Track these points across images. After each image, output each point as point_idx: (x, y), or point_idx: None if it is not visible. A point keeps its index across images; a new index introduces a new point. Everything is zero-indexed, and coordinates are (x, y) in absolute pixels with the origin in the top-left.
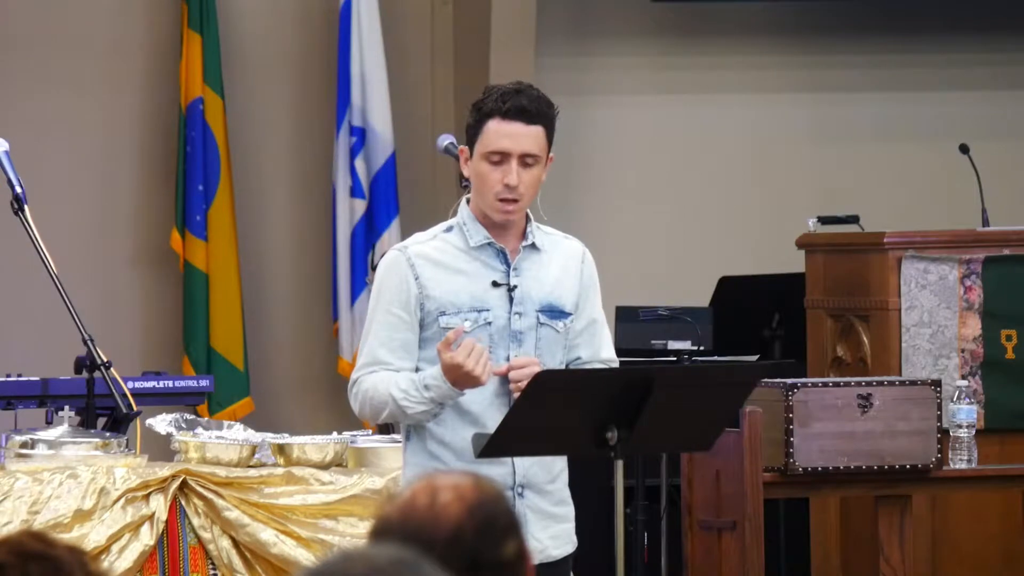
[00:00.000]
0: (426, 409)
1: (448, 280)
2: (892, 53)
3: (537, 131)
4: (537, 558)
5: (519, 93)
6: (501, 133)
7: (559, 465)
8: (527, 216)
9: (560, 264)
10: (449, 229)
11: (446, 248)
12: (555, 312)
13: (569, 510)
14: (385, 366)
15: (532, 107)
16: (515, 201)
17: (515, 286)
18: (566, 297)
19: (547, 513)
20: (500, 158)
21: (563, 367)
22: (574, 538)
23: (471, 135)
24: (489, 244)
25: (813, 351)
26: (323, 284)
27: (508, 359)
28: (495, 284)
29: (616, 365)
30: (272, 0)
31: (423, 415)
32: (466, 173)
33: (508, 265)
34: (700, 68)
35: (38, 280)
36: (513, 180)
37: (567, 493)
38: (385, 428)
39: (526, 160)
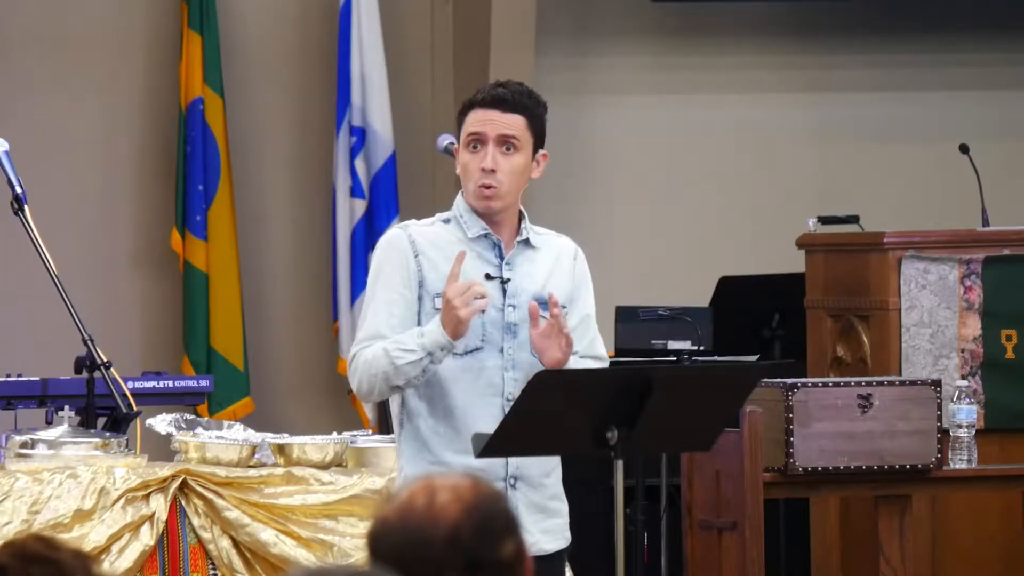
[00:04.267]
0: (416, 359)
1: (444, 265)
2: (892, 53)
3: (515, 119)
4: (529, 551)
5: (501, 85)
6: (477, 119)
7: (552, 461)
8: (521, 213)
9: (552, 260)
10: (447, 221)
11: (445, 236)
12: (548, 305)
13: (563, 506)
14: (383, 340)
15: (510, 96)
16: (493, 187)
17: (508, 279)
18: (558, 291)
19: (540, 507)
20: (476, 142)
21: None
22: (568, 534)
23: (458, 129)
24: (486, 236)
25: (813, 351)
26: (323, 284)
27: (503, 351)
28: (488, 277)
29: (606, 363)
30: (272, 0)
31: (412, 368)
32: (457, 170)
33: (502, 259)
34: (700, 68)
35: (38, 280)
36: (488, 163)
37: (561, 489)
38: (385, 428)
39: (505, 146)
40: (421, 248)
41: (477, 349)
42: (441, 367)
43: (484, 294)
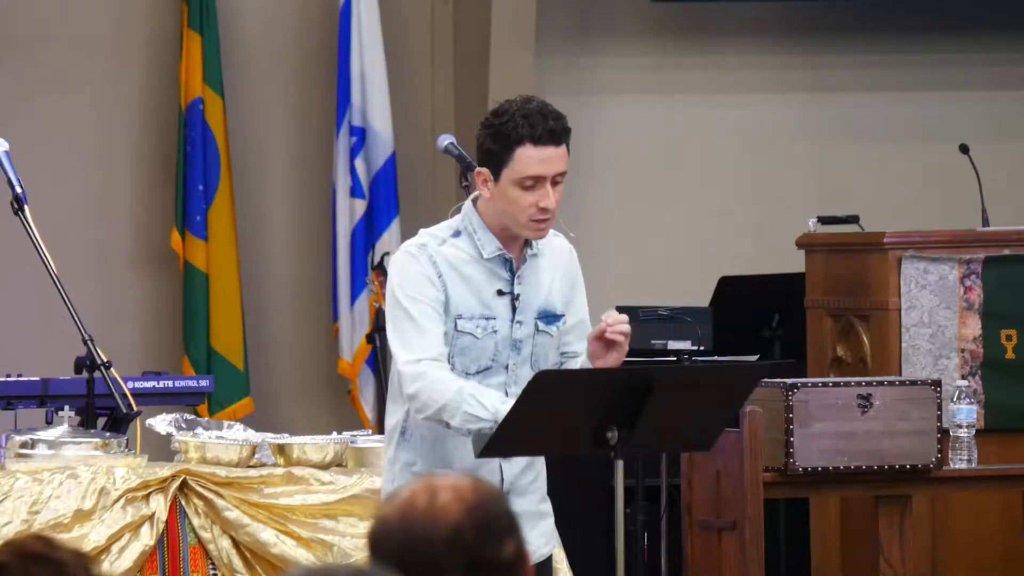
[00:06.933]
0: (483, 417)
1: (460, 284)
2: (892, 53)
3: (564, 150)
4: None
5: (543, 116)
6: (535, 159)
7: (538, 463)
8: None
9: (551, 265)
10: (457, 234)
11: (459, 255)
12: (550, 317)
13: (549, 506)
14: (444, 356)
15: (558, 127)
16: (548, 219)
17: (518, 295)
18: (558, 299)
19: (532, 512)
20: (534, 183)
21: (556, 367)
22: (556, 533)
23: (495, 160)
24: (500, 255)
25: (813, 351)
26: (323, 284)
27: (507, 367)
28: (500, 293)
29: None
30: (272, 0)
31: (471, 420)
32: (484, 194)
33: (513, 274)
34: (700, 68)
35: (38, 280)
36: (550, 203)
37: (545, 490)
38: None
39: (556, 179)
40: (442, 267)
41: (487, 368)
42: None
43: None
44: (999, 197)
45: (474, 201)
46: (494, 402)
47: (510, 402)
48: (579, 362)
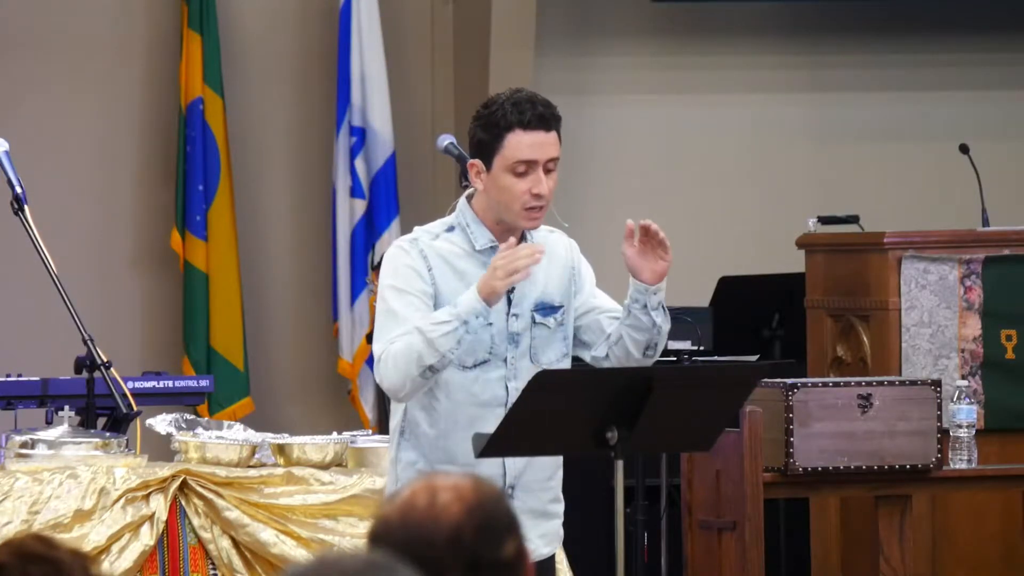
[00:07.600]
0: (450, 330)
1: (454, 278)
2: (892, 53)
3: (555, 136)
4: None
5: (532, 102)
6: (525, 143)
7: (555, 462)
8: None
9: (548, 259)
10: (451, 229)
11: (452, 249)
12: (547, 309)
13: (561, 507)
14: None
15: (547, 113)
16: (542, 207)
17: (513, 288)
18: (555, 291)
19: (538, 512)
20: (526, 168)
21: (563, 360)
22: (561, 534)
23: (486, 149)
24: (493, 247)
25: (813, 351)
26: (323, 284)
27: (506, 361)
28: None
29: None
30: (272, 0)
31: (446, 340)
32: (478, 187)
33: None
34: (700, 68)
35: (38, 280)
36: (543, 189)
37: (560, 490)
38: (385, 428)
39: (548, 166)
40: (432, 261)
41: (485, 362)
42: (446, 379)
43: (541, 250)
44: (999, 197)
45: (469, 198)
46: (447, 309)
47: (463, 300)
48: (615, 312)
